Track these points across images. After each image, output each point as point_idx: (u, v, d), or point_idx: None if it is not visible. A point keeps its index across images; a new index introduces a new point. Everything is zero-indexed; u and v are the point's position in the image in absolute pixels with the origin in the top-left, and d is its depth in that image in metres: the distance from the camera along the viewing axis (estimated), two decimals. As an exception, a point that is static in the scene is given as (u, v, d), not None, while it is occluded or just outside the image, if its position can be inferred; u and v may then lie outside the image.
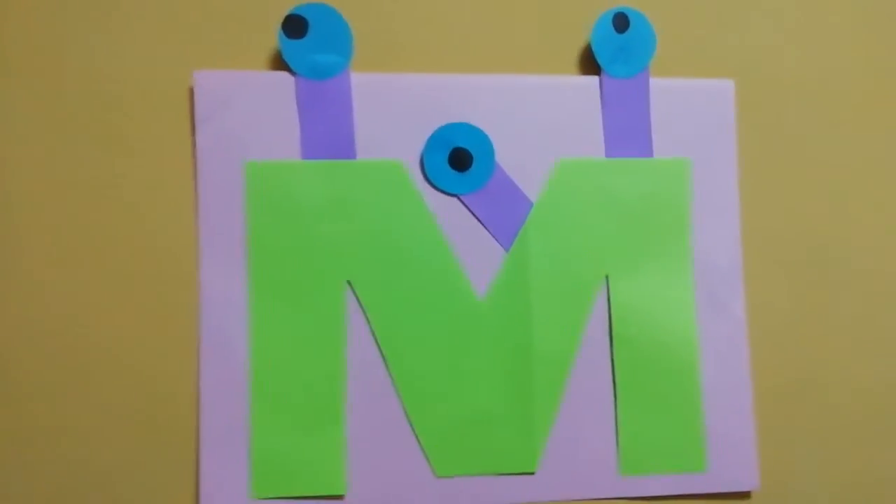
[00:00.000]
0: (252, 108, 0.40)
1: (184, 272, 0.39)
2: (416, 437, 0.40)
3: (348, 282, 0.40)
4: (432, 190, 0.41)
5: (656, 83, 0.43)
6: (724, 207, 0.43)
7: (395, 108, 0.41)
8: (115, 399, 0.38)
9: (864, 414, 0.44)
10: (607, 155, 0.42)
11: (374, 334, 0.40)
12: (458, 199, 0.41)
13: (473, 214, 0.41)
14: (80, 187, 0.38)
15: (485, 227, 0.41)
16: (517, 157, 0.42)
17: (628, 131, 0.43)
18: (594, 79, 0.42)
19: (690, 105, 0.43)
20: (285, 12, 0.39)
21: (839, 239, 0.44)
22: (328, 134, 0.40)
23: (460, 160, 0.41)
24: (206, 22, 0.40)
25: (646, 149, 0.43)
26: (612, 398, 0.41)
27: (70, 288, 0.38)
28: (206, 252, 0.39)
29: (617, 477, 0.41)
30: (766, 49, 0.44)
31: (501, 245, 0.41)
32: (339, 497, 0.39)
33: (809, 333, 0.44)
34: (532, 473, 0.40)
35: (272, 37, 0.40)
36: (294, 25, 0.39)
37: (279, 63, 0.40)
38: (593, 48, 0.42)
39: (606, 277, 0.42)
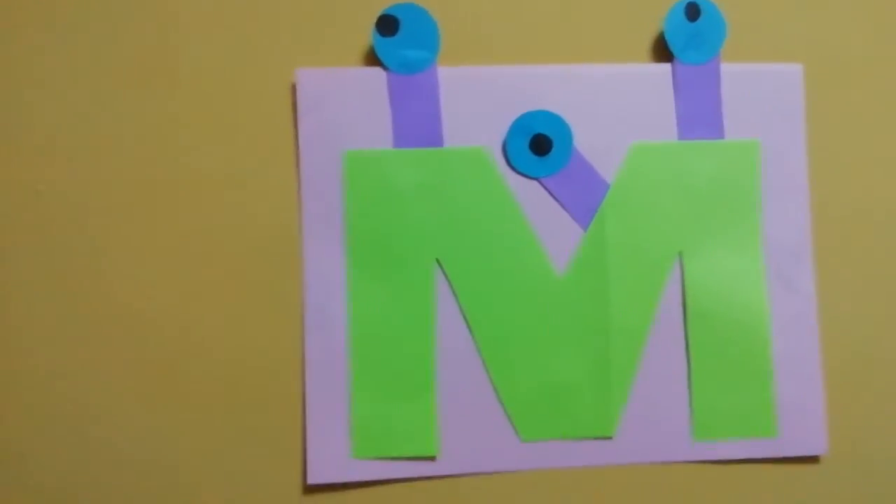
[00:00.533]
0: (349, 102, 0.43)
1: (288, 253, 0.43)
2: (502, 403, 0.43)
3: (437, 260, 0.43)
4: (514, 174, 0.44)
5: (727, 68, 0.45)
6: (794, 188, 0.45)
7: (478, 99, 0.43)
8: (227, 371, 0.42)
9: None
10: (680, 139, 0.44)
11: (461, 309, 0.43)
12: (539, 182, 0.44)
13: (553, 196, 0.44)
14: (193, 177, 0.42)
15: (564, 208, 0.44)
16: (594, 142, 0.44)
17: (700, 116, 0.45)
18: (667, 66, 0.45)
19: (760, 89, 0.45)
20: (379, 12, 0.42)
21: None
22: (418, 124, 0.43)
23: (540, 145, 0.43)
24: (307, 23, 0.43)
25: (717, 132, 0.45)
26: (686, 368, 0.44)
27: (183, 271, 0.42)
28: (308, 234, 0.43)
29: (690, 442, 0.44)
30: (833, 34, 0.46)
31: (580, 225, 0.44)
32: (432, 458, 0.42)
33: (879, 309, 0.45)
34: (610, 438, 0.43)
35: (367, 35, 0.43)
36: (386, 24, 0.42)
37: (373, 60, 0.43)
38: (666, 37, 0.44)
39: (680, 255, 0.44)
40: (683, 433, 0.44)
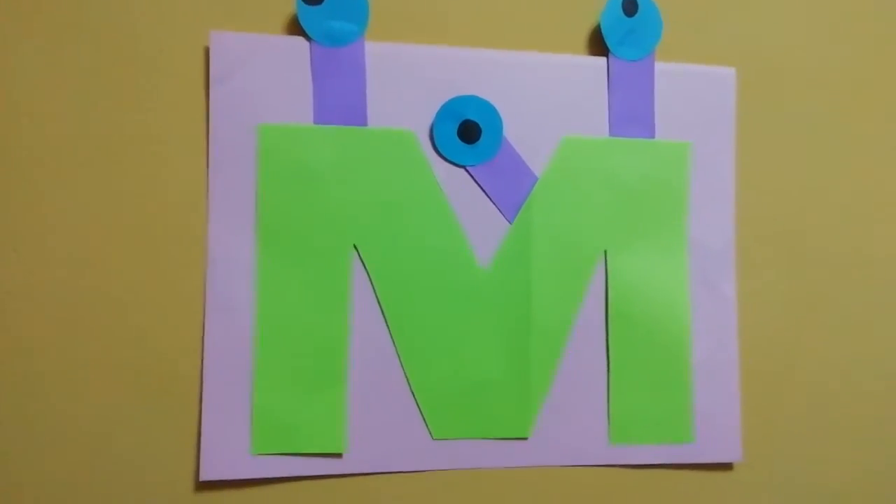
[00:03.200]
0: (266, 71, 0.40)
1: (192, 229, 0.39)
2: (415, 399, 0.41)
3: (354, 246, 0.41)
4: (441, 160, 0.42)
5: (661, 67, 0.44)
6: (721, 191, 0.45)
7: (407, 79, 0.41)
8: (118, 352, 0.39)
9: (845, 394, 0.46)
10: (611, 135, 0.44)
11: (377, 298, 0.41)
12: (466, 170, 0.42)
13: (480, 186, 0.42)
14: (95, 140, 0.39)
15: (490, 199, 0.42)
16: (524, 133, 0.43)
17: (632, 113, 0.44)
18: (602, 60, 0.43)
19: (693, 90, 0.45)
20: (304, -23, 0.40)
21: (830, 226, 0.46)
22: (340, 100, 0.41)
23: (469, 132, 0.42)
24: (225, -17, 0.40)
25: (649, 131, 0.44)
26: (606, 370, 0.43)
27: (80, 235, 0.38)
28: (215, 210, 0.40)
29: (607, 445, 0.43)
30: (768, 38, 0.46)
31: (506, 217, 0.42)
32: (338, 455, 0.40)
33: (797, 316, 0.46)
34: (525, 439, 0.42)
35: (290, 2, 0.40)
36: (312, -9, 0.40)
37: (295, 28, 0.40)
38: (602, 30, 0.43)
39: (605, 253, 0.43)
40: (600, 436, 0.43)
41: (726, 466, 0.44)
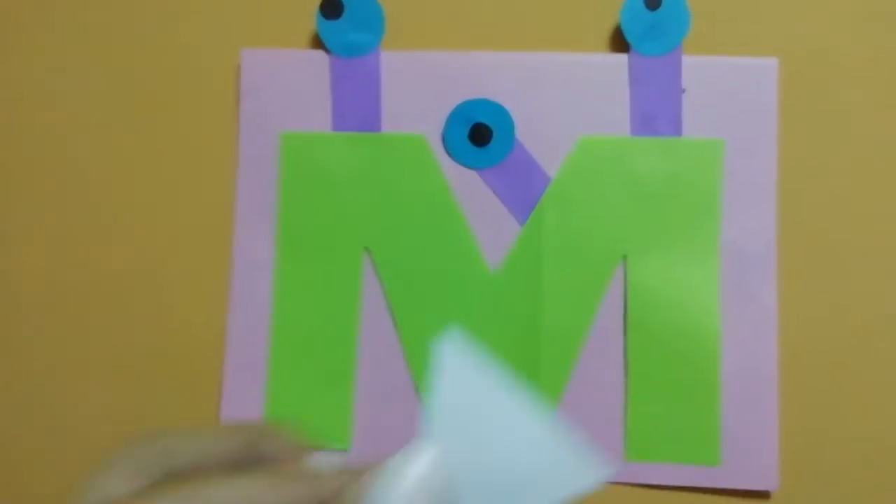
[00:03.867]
0: (289, 84, 0.43)
1: (221, 232, 0.43)
2: (421, 401, 0.41)
3: (366, 248, 0.42)
4: (452, 164, 0.42)
5: (691, 61, 0.42)
6: (761, 192, 0.41)
7: (419, 84, 0.42)
8: (146, 344, 0.43)
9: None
10: (633, 134, 0.42)
11: (387, 300, 0.42)
12: (477, 172, 0.42)
13: (491, 189, 0.42)
14: (133, 152, 0.43)
15: (502, 201, 0.42)
16: (539, 134, 0.42)
17: (657, 111, 0.42)
18: (623, 57, 0.42)
19: (729, 84, 0.42)
20: (323, -6, 0.42)
21: (882, 231, 0.41)
22: (357, 108, 0.43)
23: (480, 135, 0.42)
24: (255, 4, 0.44)
25: (675, 129, 0.42)
26: (623, 381, 0.41)
27: (118, 235, 0.43)
28: (241, 213, 0.43)
29: (623, 461, 0.40)
30: (810, 27, 0.42)
31: (517, 220, 0.42)
32: (343, 450, 0.41)
33: (846, 330, 0.41)
34: (534, 448, 0.40)
35: (313, 17, 0.43)
36: (331, 7, 0.42)
37: (318, 42, 0.43)
38: (622, 25, 0.41)
39: (624, 258, 0.41)
40: (615, 451, 0.40)
41: (761, 495, 0.40)
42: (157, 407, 0.42)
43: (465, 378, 0.14)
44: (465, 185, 0.42)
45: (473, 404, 0.13)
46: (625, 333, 0.41)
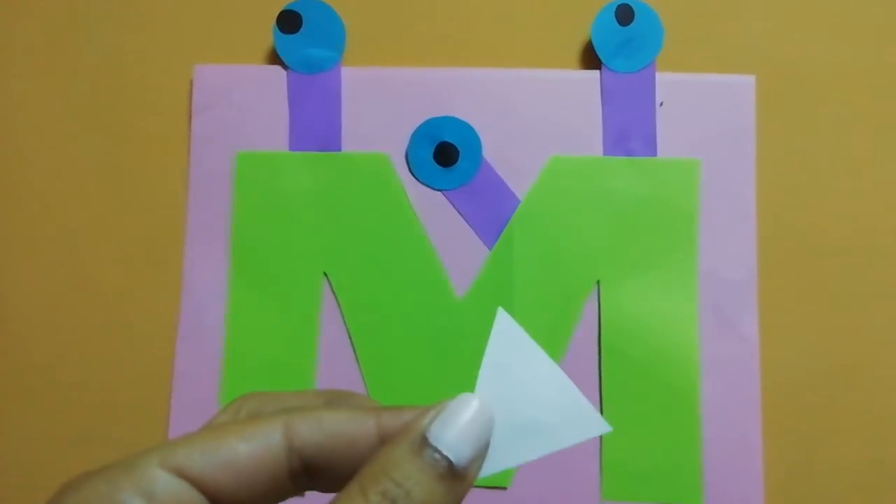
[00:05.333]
0: (246, 101, 0.41)
1: (171, 255, 0.40)
2: (381, 436, 0.38)
3: (325, 273, 0.39)
4: (416, 184, 0.40)
5: (665, 78, 0.40)
6: (739, 215, 0.39)
7: (383, 102, 0.40)
8: (93, 374, 0.40)
9: (891, 457, 0.38)
10: (605, 153, 0.40)
11: (347, 328, 0.39)
12: (443, 194, 0.40)
13: (458, 210, 0.40)
14: (80, 170, 0.41)
15: (469, 223, 0.40)
16: (507, 154, 0.40)
17: (630, 129, 0.40)
18: (594, 73, 0.40)
19: (705, 102, 0.40)
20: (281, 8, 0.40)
21: (867, 254, 0.39)
22: (315, 126, 0.40)
23: (445, 154, 0.40)
24: (209, 18, 0.42)
25: (649, 148, 0.40)
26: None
27: (61, 254, 0.40)
28: (192, 235, 0.40)
29: (598, 502, 0.37)
30: (786, 44, 0.40)
31: (485, 243, 0.39)
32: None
33: (831, 360, 0.38)
34: (505, 489, 0.38)
35: (270, 33, 0.41)
36: (288, 20, 0.40)
37: (275, 58, 0.41)
38: (593, 41, 0.40)
39: (598, 283, 0.39)
40: (591, 491, 0.38)
41: (747, 536, 0.37)
42: (100, 440, 0.39)
43: (511, 342, 0.19)
44: (430, 206, 0.40)
45: (515, 364, 0.18)
46: (599, 363, 0.38)
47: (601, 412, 0.38)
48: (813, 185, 0.40)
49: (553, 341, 0.39)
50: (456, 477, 0.16)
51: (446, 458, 0.16)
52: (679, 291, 0.39)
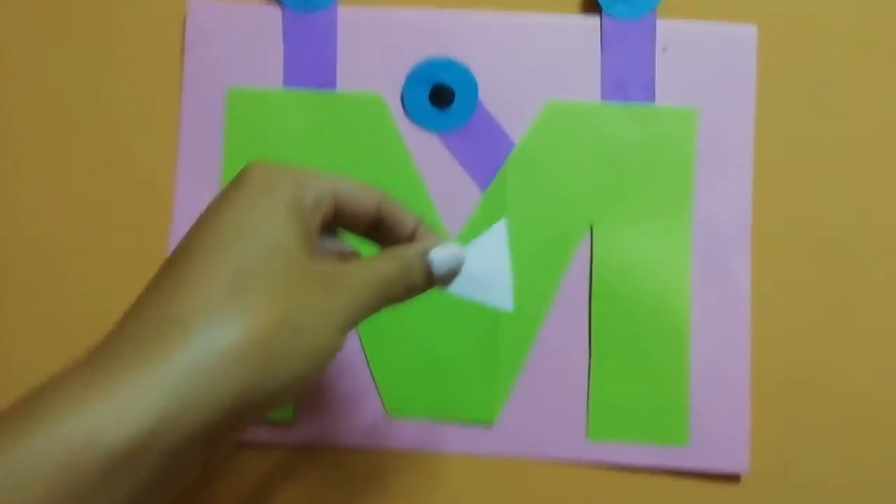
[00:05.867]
0: (239, 37, 0.40)
1: (161, 193, 0.40)
2: (370, 370, 0.39)
3: (319, 213, 0.39)
4: (411, 126, 0.40)
5: (666, 26, 0.40)
6: (736, 165, 0.39)
7: (380, 42, 0.40)
8: (80, 307, 0.40)
9: (878, 401, 0.38)
10: (604, 100, 0.40)
11: (340, 267, 0.39)
12: (438, 136, 0.40)
13: (452, 153, 0.40)
14: (72, 102, 0.40)
15: (463, 167, 0.40)
16: (504, 98, 0.40)
17: (629, 77, 0.40)
18: (594, 19, 0.40)
19: (705, 51, 0.40)
20: (277, -58, 0.39)
21: (863, 206, 0.39)
22: (310, 64, 0.40)
23: (441, 97, 0.39)
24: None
25: (648, 96, 0.40)
26: (587, 357, 0.39)
27: (51, 190, 0.40)
28: (182, 175, 0.40)
29: (584, 440, 0.38)
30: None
31: (478, 186, 0.39)
32: (287, 423, 0.38)
33: (822, 310, 0.39)
34: (490, 425, 0.38)
35: (266, -32, 0.41)
36: (285, -44, 0.40)
37: (275, -5, 0.40)
38: (593, -15, 0.39)
39: (591, 228, 0.39)
40: (577, 429, 0.38)
41: (731, 478, 0.38)
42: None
43: (495, 242, 0.30)
44: (425, 148, 0.40)
45: (488, 252, 0.29)
46: (590, 307, 0.39)
47: (589, 354, 0.39)
48: (811, 137, 0.40)
49: (544, 284, 0.39)
50: (429, 279, 0.27)
51: (431, 267, 0.26)
52: (672, 239, 0.39)
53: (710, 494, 0.38)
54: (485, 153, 0.40)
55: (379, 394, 0.38)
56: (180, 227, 0.40)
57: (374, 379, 0.39)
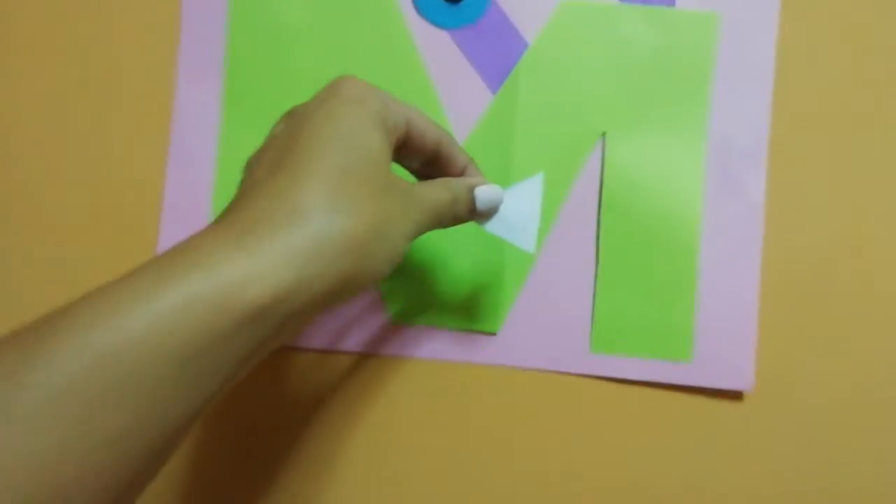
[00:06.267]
0: (243, -78, 0.38)
1: (161, 90, 0.38)
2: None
3: (322, 110, 0.38)
4: (420, 21, 0.38)
5: (690, -76, 0.38)
6: (756, 77, 0.38)
7: (389, -69, 0.38)
8: (82, 200, 0.38)
9: (885, 326, 0.37)
10: (620, 1, 0.38)
11: (342, 168, 0.38)
12: (448, 33, 0.38)
13: (462, 52, 0.38)
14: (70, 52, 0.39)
15: (473, 66, 0.38)
16: (518, -5, 0.38)
17: (649, -24, 0.38)
18: (616, -86, 0.38)
19: (730, -47, 0.38)
20: None
21: (887, 126, 0.38)
22: (317, -46, 0.38)
23: (453, -9, 0.38)
24: None
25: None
26: (594, 268, 0.37)
27: (48, 87, 0.39)
28: (184, 71, 0.38)
29: (587, 353, 0.37)
30: None
31: (489, 88, 0.38)
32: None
33: (836, 230, 0.38)
34: (494, 334, 0.37)
35: None
36: None
37: None
38: None
39: (603, 135, 0.38)
40: (581, 341, 0.37)
41: (734, 395, 0.37)
42: (89, 269, 0.38)
43: (529, 189, 0.31)
44: (434, 45, 0.38)
45: (522, 197, 0.31)
46: (598, 216, 0.38)
47: (596, 264, 0.37)
48: (835, 52, 0.38)
49: (553, 190, 0.37)
50: (472, 212, 0.29)
51: (475, 202, 0.29)
52: (686, 149, 0.38)
53: (712, 410, 0.37)
54: (497, 53, 0.38)
55: (383, 300, 0.37)
56: (183, 132, 0.38)
57: (378, 285, 0.38)
